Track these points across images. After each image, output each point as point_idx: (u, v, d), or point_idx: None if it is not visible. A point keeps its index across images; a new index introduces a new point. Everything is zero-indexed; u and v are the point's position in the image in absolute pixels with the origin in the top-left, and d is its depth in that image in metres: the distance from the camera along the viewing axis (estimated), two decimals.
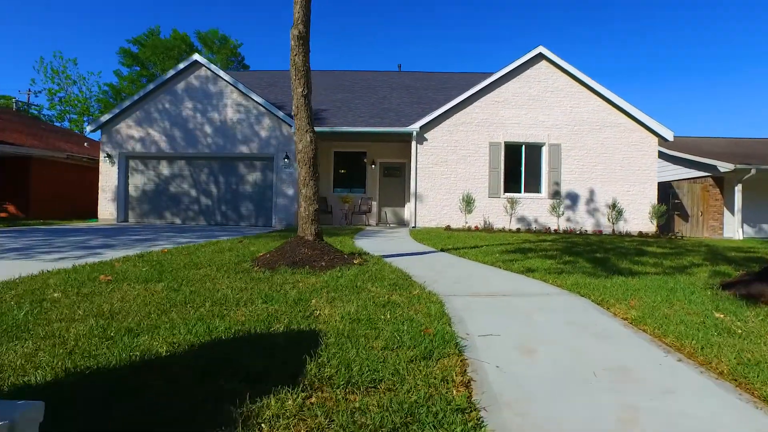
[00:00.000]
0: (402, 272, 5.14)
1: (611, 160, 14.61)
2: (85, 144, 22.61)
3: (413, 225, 14.57)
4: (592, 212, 14.65)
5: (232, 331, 2.80)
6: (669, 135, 14.43)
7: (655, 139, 14.66)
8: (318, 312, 3.32)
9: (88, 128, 15.90)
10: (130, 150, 15.64)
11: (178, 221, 15.67)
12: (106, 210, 15.69)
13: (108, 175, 15.76)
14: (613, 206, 13.97)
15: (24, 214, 17.48)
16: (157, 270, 4.92)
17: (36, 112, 35.87)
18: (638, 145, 14.63)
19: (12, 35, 58.06)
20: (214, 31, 36.48)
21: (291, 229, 12.70)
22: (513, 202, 13.97)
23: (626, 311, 3.56)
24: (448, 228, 13.69)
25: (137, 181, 15.93)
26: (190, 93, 15.50)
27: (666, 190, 16.70)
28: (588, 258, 6.87)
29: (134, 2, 60.30)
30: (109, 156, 15.72)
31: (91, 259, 5.80)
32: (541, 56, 14.74)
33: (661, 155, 17.14)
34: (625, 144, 14.62)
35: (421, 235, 11.05)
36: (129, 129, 15.65)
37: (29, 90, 36.22)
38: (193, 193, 15.74)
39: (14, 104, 34.24)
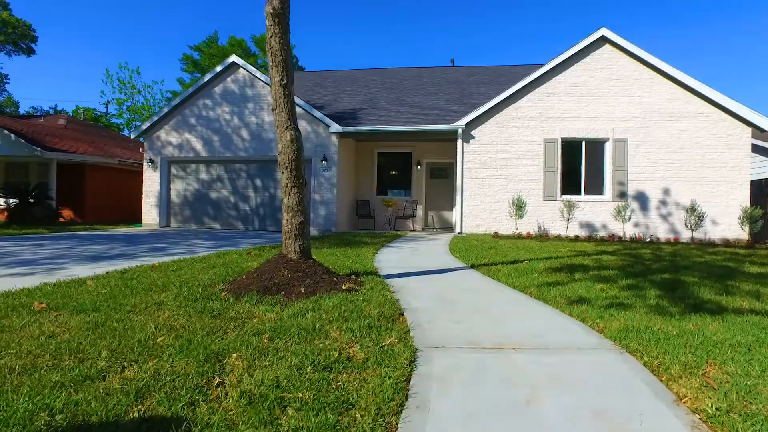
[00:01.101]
0: (395, 304, 4.08)
1: (689, 155, 12.57)
2: (140, 150, 23.29)
3: (459, 231, 13.34)
4: (666, 216, 12.69)
5: (61, 420, 1.90)
6: (766, 124, 12.18)
7: (748, 130, 12.44)
8: (226, 379, 2.37)
9: (132, 135, 16.08)
10: (171, 155, 15.61)
11: (217, 227, 15.43)
12: (150, 215, 15.76)
13: (151, 181, 15.82)
14: (692, 209, 11.97)
15: (80, 218, 18.09)
16: (110, 295, 4.21)
17: (107, 122, 38.07)
18: (725, 138, 12.47)
19: (83, 48, 62.78)
20: (263, 36, 36.77)
21: (328, 236, 11.93)
22: (571, 206, 12.35)
23: (698, 393, 2.29)
24: (495, 235, 12.33)
25: (178, 187, 15.88)
26: (227, 96, 15.20)
27: (762, 189, 14.25)
28: (654, 281, 5.42)
29: (195, 11, 63.08)
30: (151, 162, 15.78)
31: (73, 274, 5.22)
32: (603, 40, 12.98)
33: (754, 148, 14.69)
34: (708, 136, 12.52)
35: (462, 244, 9.85)
36: (169, 135, 15.63)
37: (108, 101, 38.65)
38: (232, 198, 15.44)
39: (81, 113, 36.50)
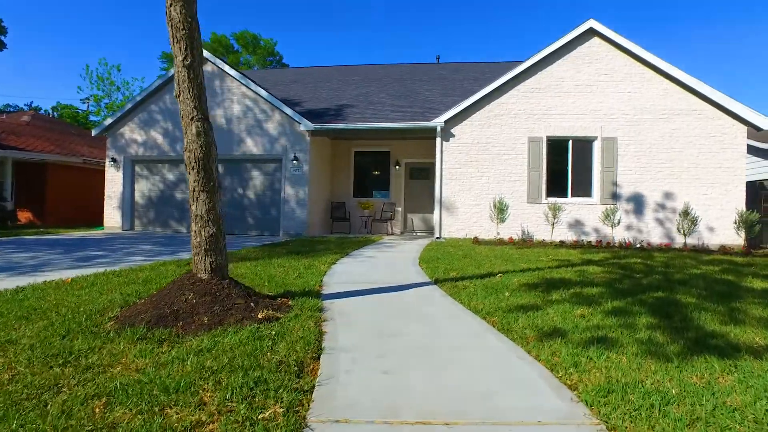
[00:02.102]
0: (317, 341, 3.18)
1: (683, 155, 11.79)
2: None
3: (438, 235, 12.46)
4: (658, 220, 11.89)
5: None
6: (764, 122, 11.42)
7: (743, 129, 11.68)
8: None
9: (93, 132, 15.03)
10: (135, 154, 14.59)
11: (183, 230, 14.43)
12: (112, 218, 14.74)
13: (113, 181, 14.80)
14: (685, 213, 11.16)
15: (41, 221, 17.00)
16: None
17: (84, 120, 36.77)
18: (720, 137, 11.70)
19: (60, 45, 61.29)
20: (244, 32, 35.71)
21: (293, 241, 10.99)
22: (556, 209, 11.51)
23: None
24: (475, 240, 11.46)
25: (143, 187, 14.86)
26: None
27: (756, 192, 13.51)
28: (646, 302, 4.55)
29: None
30: (114, 160, 14.76)
31: None
32: (591, 32, 12.16)
33: (748, 149, 13.95)
34: (702, 135, 11.74)
35: (435, 251, 8.96)
36: (134, 132, 14.60)
37: (86, 98, 37.29)
38: None
39: (56, 111, 35.21)
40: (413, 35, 74.59)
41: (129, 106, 14.44)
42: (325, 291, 5.05)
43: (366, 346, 3.19)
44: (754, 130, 11.82)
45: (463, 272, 6.37)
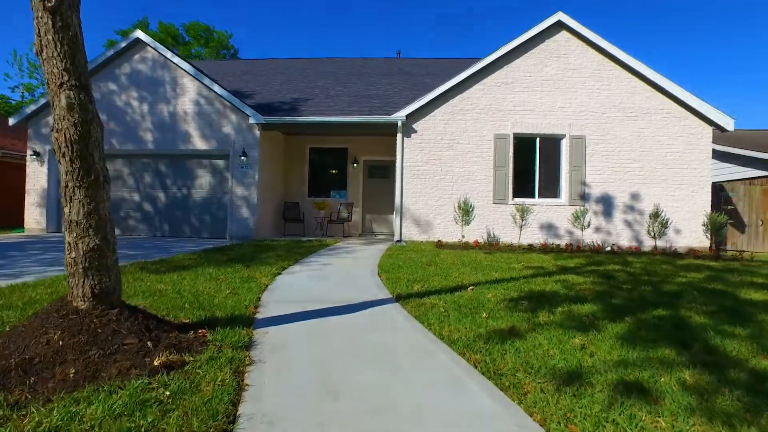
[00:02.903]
0: (229, 401, 2.17)
1: (651, 155, 11.39)
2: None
3: (398, 239, 11.57)
4: (627, 222, 11.45)
5: None
6: (729, 124, 11.16)
7: (709, 130, 11.39)
8: None
9: (11, 121, 13.21)
10: None
11: (117, 232, 12.89)
12: (33, 218, 13.03)
13: (36, 177, 13.11)
14: (656, 215, 10.74)
15: None
16: None
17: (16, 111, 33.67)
18: (687, 137, 11.38)
19: None
20: (194, 23, 33.70)
21: (244, 245, 9.81)
22: (524, 210, 10.84)
23: None
24: (439, 244, 10.62)
25: None
26: (134, 78, 12.70)
27: (717, 194, 13.38)
28: (651, 325, 3.77)
29: None
30: (36, 154, 13.07)
31: None
32: (560, 25, 11.59)
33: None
34: (670, 135, 11.38)
35: (396, 258, 8.04)
36: None
37: (14, 87, 34.11)
38: (136, 197, 12.96)
39: None
40: (372, 30, 73.46)
41: None
42: (261, 314, 4.02)
43: (300, 411, 2.20)
44: (719, 131, 11.59)
45: (429, 284, 5.47)
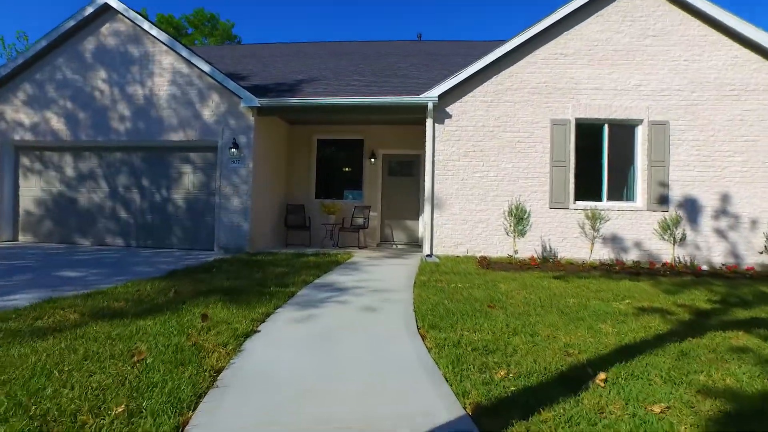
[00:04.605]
0: None
1: (759, 146, 8.80)
2: None
3: (428, 252, 9.13)
4: (721, 232, 8.86)
5: None
6: None
7: None
8: None
9: None
10: (21, 140, 10.71)
11: (86, 243, 10.65)
12: None
13: None
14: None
15: None
16: None
17: None
18: None
19: None
20: (199, 10, 31.52)
21: (230, 262, 7.47)
22: (595, 218, 8.32)
23: None
24: (483, 261, 8.11)
25: (33, 185, 11.00)
26: (102, 55, 10.41)
27: None
28: None
29: None
30: None
31: None
32: None
33: None
34: None
35: (435, 288, 5.60)
36: (19, 111, 10.70)
37: None
38: (109, 202, 10.67)
39: None
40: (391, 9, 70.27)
41: (5, 72, 10.53)
42: None
43: None
44: None
45: (515, 362, 3.02)
